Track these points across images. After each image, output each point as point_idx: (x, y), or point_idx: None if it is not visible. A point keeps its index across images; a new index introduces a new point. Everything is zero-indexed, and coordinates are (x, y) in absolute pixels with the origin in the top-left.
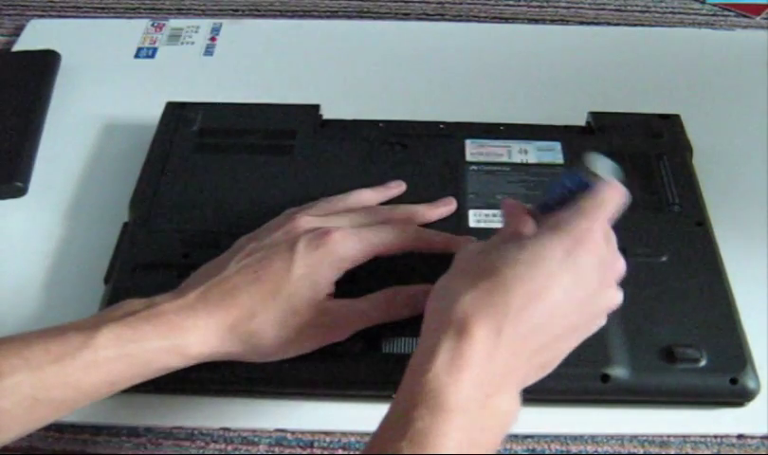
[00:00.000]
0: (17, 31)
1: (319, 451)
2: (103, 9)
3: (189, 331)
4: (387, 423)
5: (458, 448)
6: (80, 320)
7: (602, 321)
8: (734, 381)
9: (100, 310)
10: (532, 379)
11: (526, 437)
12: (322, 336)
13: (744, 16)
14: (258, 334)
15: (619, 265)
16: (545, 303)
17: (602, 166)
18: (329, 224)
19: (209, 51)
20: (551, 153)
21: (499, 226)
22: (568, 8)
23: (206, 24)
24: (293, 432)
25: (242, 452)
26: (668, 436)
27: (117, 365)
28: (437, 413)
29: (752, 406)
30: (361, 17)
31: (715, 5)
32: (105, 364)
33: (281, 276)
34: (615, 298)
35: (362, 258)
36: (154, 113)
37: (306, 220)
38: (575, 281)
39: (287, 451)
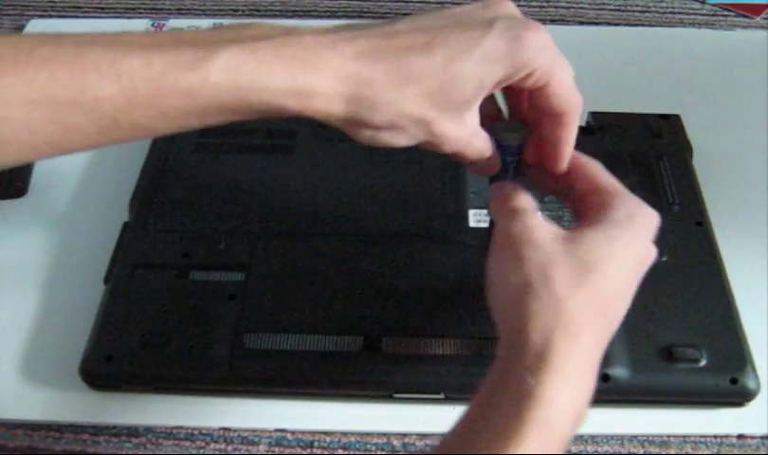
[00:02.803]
0: (17, 31)
1: (319, 451)
2: (103, 9)
3: (325, 77)
4: (484, 428)
5: None
6: (198, 32)
7: None
8: (734, 381)
9: (98, 311)
10: None
11: None
12: (433, 144)
13: (744, 16)
14: (387, 111)
15: (655, 255)
16: (623, 301)
17: (509, 127)
18: None
19: None
20: None
21: None
22: (568, 8)
23: (206, 24)
24: (293, 432)
25: (242, 452)
26: (668, 436)
27: (222, 97)
28: (547, 436)
29: (752, 406)
30: (361, 17)
31: (715, 5)
32: (210, 93)
33: (461, 52)
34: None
35: (542, 79)
36: None
37: (513, 5)
38: (639, 270)
39: (287, 451)
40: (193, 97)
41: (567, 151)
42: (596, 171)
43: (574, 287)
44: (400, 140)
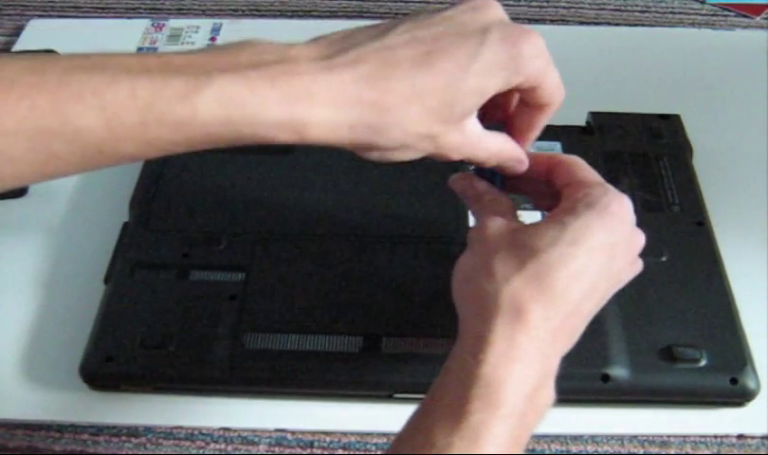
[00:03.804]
0: (17, 31)
1: (319, 451)
2: (103, 9)
3: (321, 106)
4: (433, 411)
5: (505, 446)
6: (189, 55)
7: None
8: (734, 381)
9: (98, 311)
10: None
11: None
12: (441, 155)
13: (744, 16)
14: (394, 133)
15: (641, 240)
16: (584, 283)
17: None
18: None
19: None
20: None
21: None
22: (568, 8)
23: (206, 24)
24: (293, 432)
25: (242, 452)
26: (668, 436)
27: (212, 129)
28: (492, 409)
29: (752, 406)
30: (361, 17)
31: (715, 5)
32: (199, 125)
33: (458, 67)
34: (637, 268)
35: (535, 82)
36: None
37: (500, 6)
38: (609, 258)
39: (287, 451)
40: (182, 129)
41: (535, 135)
42: (575, 166)
43: (511, 272)
44: (409, 156)
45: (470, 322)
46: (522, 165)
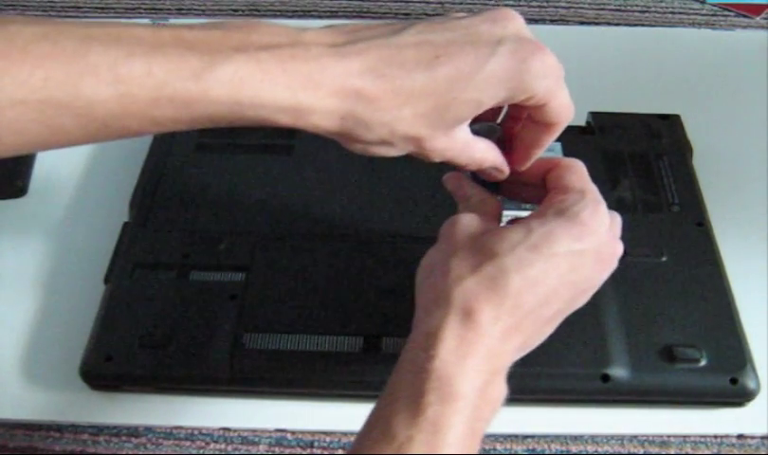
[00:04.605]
0: None
1: (319, 451)
2: (103, 9)
3: (324, 94)
4: (390, 405)
5: (462, 438)
6: (200, 31)
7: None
8: (734, 381)
9: (98, 311)
10: (512, 361)
11: (526, 437)
12: (422, 155)
13: (744, 16)
14: (380, 130)
15: (617, 250)
16: (541, 289)
17: (482, 129)
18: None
19: None
20: (551, 153)
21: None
22: (568, 8)
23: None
24: (293, 432)
25: (242, 452)
26: (668, 436)
27: (219, 108)
28: (447, 402)
29: (752, 406)
30: (361, 17)
31: (715, 5)
32: (207, 105)
33: (465, 74)
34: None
35: (541, 101)
36: None
37: (522, 21)
38: (572, 266)
39: (287, 451)
40: (190, 107)
41: (539, 152)
42: (566, 170)
43: (466, 272)
44: (391, 152)
45: (424, 317)
46: (502, 174)
